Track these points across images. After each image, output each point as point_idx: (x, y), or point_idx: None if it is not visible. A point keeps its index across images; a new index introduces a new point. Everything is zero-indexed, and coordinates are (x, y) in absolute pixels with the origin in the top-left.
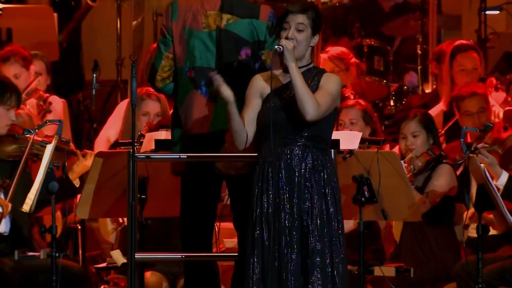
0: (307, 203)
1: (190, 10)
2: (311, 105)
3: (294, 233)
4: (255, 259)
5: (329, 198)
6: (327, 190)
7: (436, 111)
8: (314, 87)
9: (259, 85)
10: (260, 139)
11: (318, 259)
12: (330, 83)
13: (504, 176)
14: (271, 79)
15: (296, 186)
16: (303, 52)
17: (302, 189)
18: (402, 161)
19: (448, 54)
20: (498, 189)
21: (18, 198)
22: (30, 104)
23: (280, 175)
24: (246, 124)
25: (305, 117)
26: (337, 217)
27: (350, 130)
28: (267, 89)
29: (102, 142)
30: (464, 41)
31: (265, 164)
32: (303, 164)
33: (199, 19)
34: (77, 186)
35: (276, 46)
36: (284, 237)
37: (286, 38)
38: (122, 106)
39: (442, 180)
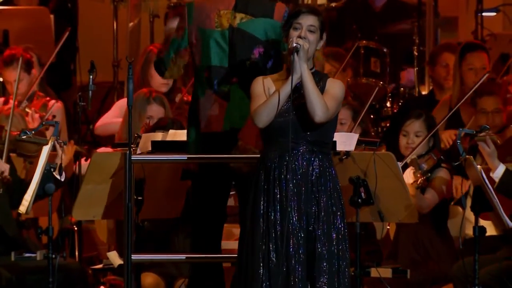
0: (314, 208)
1: (204, 10)
2: (321, 107)
3: (301, 238)
4: (263, 271)
5: (335, 202)
6: (334, 195)
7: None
8: (320, 91)
9: (265, 85)
10: (265, 142)
11: (324, 264)
12: (335, 88)
13: (500, 169)
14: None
15: (304, 190)
16: (311, 54)
17: (309, 193)
18: (398, 163)
19: (457, 52)
20: (493, 181)
21: (3, 198)
22: (33, 118)
23: (288, 178)
24: None
25: (314, 118)
26: (343, 221)
27: (340, 130)
28: (272, 90)
29: (103, 123)
30: (473, 40)
31: (272, 168)
32: (310, 169)
33: (212, 18)
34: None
35: (294, 44)
36: (291, 241)
37: (299, 37)
38: (123, 103)
39: (441, 182)
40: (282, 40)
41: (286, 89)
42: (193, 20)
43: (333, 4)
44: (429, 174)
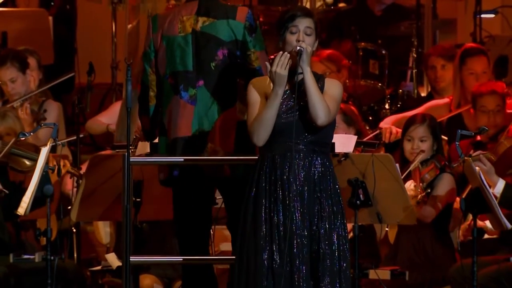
0: (317, 207)
1: (167, 18)
2: (323, 110)
3: (304, 238)
4: (267, 271)
5: (336, 202)
6: (334, 194)
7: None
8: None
9: (263, 89)
10: (266, 143)
11: (328, 263)
12: (334, 89)
13: (500, 184)
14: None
15: (307, 190)
16: (309, 56)
17: (312, 193)
18: (397, 165)
19: (457, 56)
20: (496, 197)
21: None
22: (25, 111)
23: (291, 179)
24: None
25: (317, 121)
26: (343, 221)
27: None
28: (269, 93)
29: (94, 121)
30: (473, 44)
31: (273, 168)
32: (312, 169)
33: (175, 24)
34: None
35: (298, 48)
36: (295, 241)
37: (297, 41)
38: (117, 105)
39: (445, 189)
40: (248, 40)
41: (276, 101)
42: (157, 29)
43: (332, 7)
44: (429, 190)
